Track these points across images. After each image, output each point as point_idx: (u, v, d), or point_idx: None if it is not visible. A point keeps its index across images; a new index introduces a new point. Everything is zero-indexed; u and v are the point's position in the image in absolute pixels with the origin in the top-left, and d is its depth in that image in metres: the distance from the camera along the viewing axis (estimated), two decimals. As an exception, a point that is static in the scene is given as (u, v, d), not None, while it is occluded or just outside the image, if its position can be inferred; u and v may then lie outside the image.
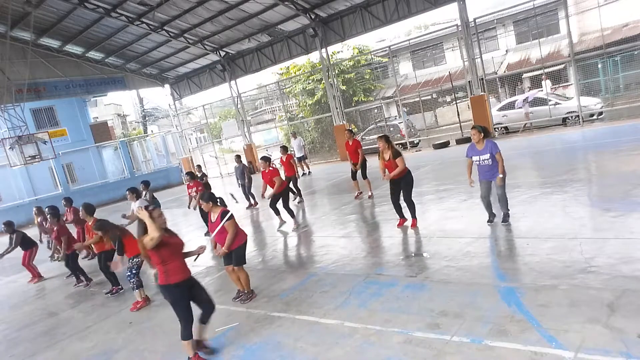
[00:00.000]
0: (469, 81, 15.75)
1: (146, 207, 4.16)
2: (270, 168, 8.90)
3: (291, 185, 10.93)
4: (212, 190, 11.78)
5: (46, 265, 10.22)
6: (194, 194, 9.60)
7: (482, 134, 6.21)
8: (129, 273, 6.31)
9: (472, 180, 6.49)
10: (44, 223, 10.14)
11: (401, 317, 4.34)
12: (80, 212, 7.33)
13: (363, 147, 10.73)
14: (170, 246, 4.14)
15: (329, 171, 16.86)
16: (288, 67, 26.12)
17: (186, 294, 4.21)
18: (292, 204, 10.38)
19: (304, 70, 25.74)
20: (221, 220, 5.26)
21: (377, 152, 7.51)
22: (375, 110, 25.64)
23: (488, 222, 6.51)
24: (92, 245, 7.40)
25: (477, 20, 15.26)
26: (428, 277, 5.17)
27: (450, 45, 25.90)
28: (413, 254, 6.15)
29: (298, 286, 5.79)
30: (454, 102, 19.71)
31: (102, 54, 22.31)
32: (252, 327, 4.86)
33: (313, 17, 17.25)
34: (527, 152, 12.04)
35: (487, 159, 6.17)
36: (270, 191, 8.91)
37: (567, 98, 16.07)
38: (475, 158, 6.30)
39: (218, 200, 5.53)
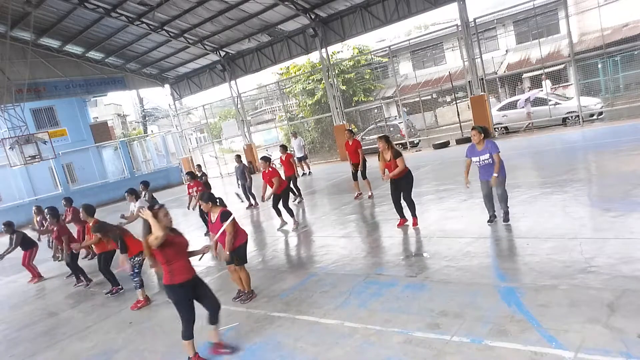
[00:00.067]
0: (469, 81, 15.75)
1: (152, 206, 4.13)
2: (270, 168, 8.90)
3: (291, 184, 10.94)
4: (212, 190, 11.81)
5: (46, 265, 10.23)
6: (195, 193, 9.60)
7: (483, 135, 6.21)
8: (132, 272, 6.33)
9: (468, 181, 6.49)
10: (43, 222, 10.14)
11: (401, 317, 4.34)
12: (81, 213, 7.32)
13: (363, 147, 10.73)
14: (175, 246, 4.12)
15: (329, 171, 16.86)
16: (288, 67, 26.13)
17: (190, 294, 4.19)
18: (292, 204, 10.38)
19: (304, 70, 25.75)
20: (221, 221, 5.27)
21: (377, 152, 7.51)
22: (375, 110, 25.64)
23: (488, 222, 6.51)
24: (93, 246, 7.40)
25: (477, 20, 15.27)
26: (428, 277, 5.17)
27: (450, 45, 25.90)
28: (413, 254, 6.15)
29: (298, 286, 5.79)
30: (454, 102, 19.71)
31: (102, 54, 22.31)
32: (252, 327, 4.87)
33: (313, 17, 17.25)
34: (527, 152, 12.04)
35: (487, 159, 6.17)
36: (270, 192, 8.90)
37: (567, 98, 16.07)
38: (475, 159, 6.30)
39: (218, 200, 5.53)
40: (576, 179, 8.01)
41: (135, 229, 7.68)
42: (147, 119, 37.44)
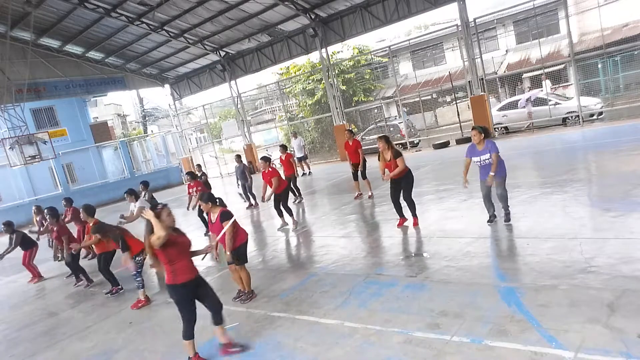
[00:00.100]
0: (469, 81, 15.75)
1: (155, 206, 4.11)
2: (270, 168, 8.90)
3: (291, 184, 10.94)
4: (211, 190, 11.82)
5: (46, 265, 10.23)
6: (195, 193, 9.60)
7: (483, 135, 6.21)
8: (135, 272, 6.33)
9: (467, 180, 6.49)
10: (43, 222, 10.14)
11: (401, 317, 4.34)
12: (81, 214, 7.33)
13: (363, 147, 10.73)
14: (178, 245, 4.10)
15: (329, 171, 16.86)
16: (288, 67, 26.12)
17: (191, 294, 4.18)
18: (291, 204, 10.38)
19: (304, 70, 25.74)
20: (221, 221, 5.27)
21: (377, 152, 7.51)
22: (375, 110, 25.64)
23: (488, 222, 6.51)
24: (94, 246, 7.40)
25: (477, 20, 15.27)
26: (428, 277, 5.17)
27: (450, 45, 25.90)
28: (413, 254, 6.15)
29: (298, 286, 5.79)
30: (454, 102, 19.71)
31: (102, 54, 22.31)
32: (252, 327, 4.87)
33: (313, 17, 17.25)
34: (527, 152, 12.04)
35: (488, 159, 6.17)
36: (270, 192, 8.89)
37: (567, 98, 16.07)
38: (475, 159, 6.30)
39: (217, 200, 5.53)
40: (576, 179, 8.01)
41: (135, 229, 7.70)
42: (147, 119, 37.44)
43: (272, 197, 8.89)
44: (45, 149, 18.68)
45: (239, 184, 12.77)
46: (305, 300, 5.27)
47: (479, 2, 35.93)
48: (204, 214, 7.73)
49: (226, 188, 18.80)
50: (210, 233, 5.71)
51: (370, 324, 4.33)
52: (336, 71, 22.72)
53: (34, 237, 9.62)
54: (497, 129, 15.90)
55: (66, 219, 9.91)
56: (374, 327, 4.26)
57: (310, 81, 25.89)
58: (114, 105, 42.90)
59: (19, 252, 9.56)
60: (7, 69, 18.91)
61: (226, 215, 5.30)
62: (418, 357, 3.65)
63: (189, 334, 4.21)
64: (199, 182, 10.61)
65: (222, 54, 21.17)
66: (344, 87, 24.87)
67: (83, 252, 9.75)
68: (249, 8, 16.84)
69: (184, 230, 4.48)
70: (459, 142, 15.51)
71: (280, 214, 9.21)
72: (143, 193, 9.59)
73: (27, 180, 22.98)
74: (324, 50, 18.16)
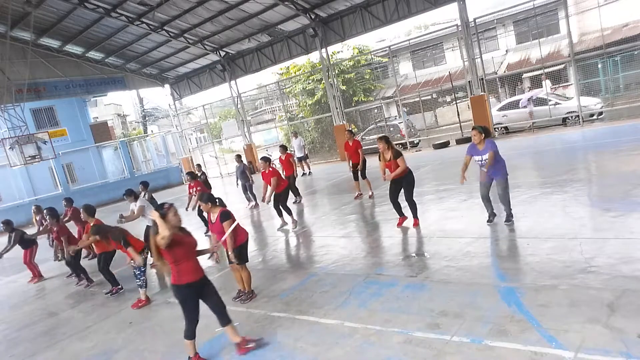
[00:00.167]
0: (469, 81, 15.75)
1: (162, 206, 4.09)
2: (270, 169, 8.91)
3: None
4: (211, 189, 11.82)
5: (46, 265, 10.22)
6: (195, 193, 9.61)
7: (483, 135, 6.21)
8: (138, 271, 6.33)
9: (465, 177, 6.46)
10: (42, 222, 10.14)
11: (401, 317, 4.34)
12: (81, 214, 7.33)
13: (363, 147, 10.73)
14: (184, 245, 4.09)
15: (329, 171, 16.86)
16: (288, 67, 26.12)
17: (196, 295, 4.16)
18: (291, 204, 10.38)
19: (304, 70, 25.74)
20: (221, 221, 5.27)
21: (377, 152, 7.51)
22: (375, 110, 25.63)
23: (488, 221, 6.51)
24: (94, 246, 7.40)
25: (477, 20, 15.26)
26: (428, 277, 5.17)
27: (450, 45, 25.90)
28: (413, 254, 6.15)
29: (298, 286, 5.79)
30: (454, 102, 19.71)
31: (102, 54, 22.31)
32: (252, 327, 4.86)
33: (313, 17, 17.25)
34: (527, 152, 12.04)
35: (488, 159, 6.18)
36: (270, 191, 8.89)
37: (567, 98, 16.07)
38: (476, 158, 6.29)
39: (217, 200, 5.53)
40: (576, 179, 8.01)
41: (135, 229, 7.70)
42: (147, 119, 37.44)
43: (272, 196, 8.89)
44: (45, 149, 18.68)
45: (238, 184, 12.78)
46: (305, 300, 5.27)
47: (479, 2, 35.97)
48: (204, 214, 7.74)
49: (226, 188, 18.80)
50: (210, 233, 5.70)
51: (370, 324, 4.33)
52: (336, 71, 22.72)
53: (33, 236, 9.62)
54: (497, 129, 15.90)
55: (65, 219, 9.93)
56: (374, 327, 4.26)
57: (310, 81, 25.88)
58: (114, 105, 42.90)
59: (19, 252, 9.56)
60: (7, 69, 18.90)
61: (226, 215, 5.30)
62: (418, 357, 3.65)
63: (190, 334, 4.20)
64: (199, 182, 10.62)
65: (222, 54, 21.17)
66: (344, 87, 24.87)
67: (84, 252, 9.75)
68: (249, 8, 16.83)
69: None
70: (459, 142, 15.51)
71: (280, 214, 9.21)
72: (143, 193, 9.58)
73: (27, 180, 22.98)
74: (324, 50, 18.16)
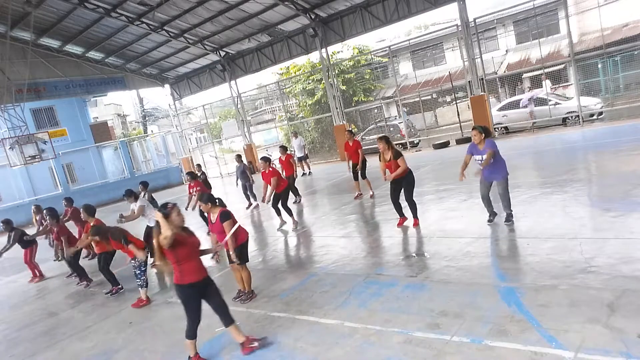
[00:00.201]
0: (469, 81, 15.75)
1: (165, 205, 4.08)
2: (270, 169, 8.91)
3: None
4: (211, 189, 11.82)
5: (46, 265, 10.22)
6: (195, 193, 9.61)
7: (483, 135, 6.21)
8: (138, 271, 6.33)
9: (464, 175, 6.42)
10: (42, 221, 10.14)
11: (401, 317, 4.34)
12: (82, 214, 7.33)
13: (363, 147, 10.74)
14: (187, 245, 4.09)
15: (329, 171, 16.86)
16: (288, 67, 26.12)
17: (198, 295, 4.15)
18: (291, 204, 10.38)
19: (304, 70, 25.74)
20: (221, 221, 5.27)
21: (377, 152, 7.51)
22: (375, 110, 25.63)
23: (488, 221, 6.51)
24: (94, 246, 7.40)
25: (477, 20, 15.26)
26: (428, 277, 5.17)
27: (450, 45, 25.90)
28: (413, 254, 6.15)
29: (298, 286, 5.79)
30: (454, 102, 19.71)
31: (102, 54, 22.31)
32: (252, 327, 4.86)
33: (313, 17, 17.25)
34: (527, 152, 12.04)
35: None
36: (270, 191, 8.90)
37: (567, 98, 16.07)
38: (476, 157, 6.30)
39: (217, 200, 5.53)
40: (576, 179, 8.01)
41: (135, 229, 7.70)
42: (147, 119, 37.44)
43: (272, 196, 8.89)
44: (45, 149, 18.68)
45: (238, 184, 12.78)
46: (305, 300, 5.27)
47: (479, 2, 35.96)
48: (205, 213, 7.74)
49: (226, 188, 18.80)
50: (211, 233, 5.70)
51: (370, 324, 4.33)
52: (336, 71, 22.72)
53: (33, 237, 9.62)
54: (497, 129, 15.89)
55: (65, 219, 9.93)
56: (374, 327, 4.26)
57: (310, 81, 25.88)
58: (114, 105, 42.90)
59: (19, 253, 9.56)
60: (7, 69, 18.90)
61: (226, 215, 5.30)
62: (418, 357, 3.65)
63: (191, 334, 4.20)
64: (199, 182, 10.63)
65: (222, 54, 21.17)
66: (344, 87, 24.86)
67: (83, 252, 9.75)
68: (249, 8, 16.83)
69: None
70: (459, 142, 15.51)
71: (279, 213, 9.22)
72: (142, 193, 9.58)
73: (27, 180, 22.98)
74: (324, 50, 18.15)
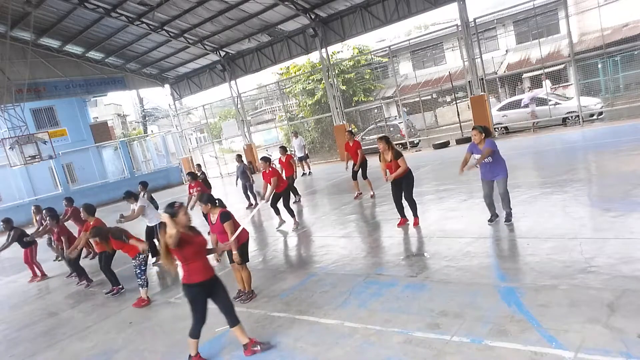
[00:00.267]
0: (469, 81, 15.75)
1: (172, 204, 4.07)
2: (270, 169, 8.92)
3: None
4: (211, 189, 11.82)
5: (46, 265, 10.21)
6: (195, 194, 9.62)
7: (484, 135, 6.22)
8: (139, 270, 6.33)
9: (463, 170, 6.40)
10: (42, 221, 10.14)
11: (401, 317, 4.34)
12: (82, 213, 7.33)
13: (363, 147, 10.75)
14: (193, 245, 4.09)
15: (329, 171, 16.86)
16: (288, 67, 26.12)
17: (205, 294, 4.15)
18: (291, 204, 10.38)
19: (304, 70, 25.74)
20: (221, 221, 5.26)
21: (377, 153, 7.51)
22: (375, 110, 25.63)
23: (489, 221, 6.51)
24: (94, 245, 7.40)
25: (477, 20, 15.26)
26: (428, 277, 5.17)
27: (450, 45, 25.90)
28: (413, 254, 6.15)
29: (298, 286, 5.79)
30: (454, 102, 19.71)
31: (102, 54, 22.31)
32: (252, 327, 4.86)
33: (313, 17, 17.25)
34: (527, 152, 12.04)
35: (488, 157, 6.19)
36: (270, 190, 8.90)
37: (567, 98, 16.06)
38: (476, 156, 6.31)
39: (217, 201, 5.52)
40: (576, 179, 8.01)
41: (135, 229, 7.70)
42: (147, 119, 37.43)
43: (272, 196, 8.89)
44: (45, 149, 18.68)
45: (237, 184, 12.78)
46: (305, 300, 5.27)
47: (479, 2, 35.95)
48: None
49: (226, 188, 18.80)
50: (211, 233, 5.70)
51: (370, 324, 4.33)
52: (336, 71, 22.71)
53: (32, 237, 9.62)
54: (497, 129, 15.89)
55: (65, 218, 9.94)
56: (374, 327, 4.26)
57: (310, 81, 25.88)
58: (114, 105, 42.90)
59: (19, 253, 9.56)
60: (7, 69, 18.91)
61: (226, 216, 5.29)
62: (418, 357, 3.65)
63: (195, 333, 4.20)
64: (200, 182, 10.63)
65: (222, 54, 21.17)
66: (344, 87, 24.86)
67: (84, 251, 9.75)
68: (249, 8, 16.83)
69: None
70: (459, 142, 15.51)
71: (277, 212, 9.22)
72: (142, 193, 9.58)
73: (27, 180, 22.98)
74: (324, 50, 18.15)
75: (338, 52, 24.90)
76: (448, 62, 26.29)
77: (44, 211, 9.25)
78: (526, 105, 15.59)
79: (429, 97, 25.07)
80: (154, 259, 8.41)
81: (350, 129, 15.63)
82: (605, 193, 6.99)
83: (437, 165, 12.77)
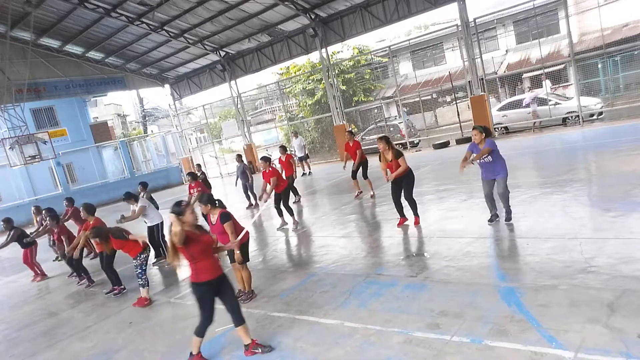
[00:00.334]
0: (469, 81, 15.75)
1: (179, 203, 4.07)
2: (270, 168, 8.92)
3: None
4: (211, 189, 11.82)
5: (46, 265, 10.22)
6: (196, 194, 9.63)
7: (484, 134, 6.22)
8: (139, 270, 6.33)
9: (464, 166, 6.34)
10: (42, 222, 10.15)
11: (401, 317, 4.34)
12: (81, 213, 7.33)
13: (363, 147, 10.76)
14: (200, 243, 4.09)
15: (329, 171, 16.86)
16: (288, 67, 26.12)
17: (213, 293, 4.15)
18: (291, 204, 10.39)
19: (304, 70, 25.74)
20: (221, 222, 5.25)
21: (377, 153, 7.52)
22: (375, 110, 25.64)
23: (489, 221, 6.51)
24: (94, 245, 7.39)
25: (477, 20, 15.26)
26: (428, 277, 5.17)
27: (450, 45, 25.90)
28: (413, 254, 6.15)
29: (298, 286, 5.79)
30: (454, 102, 19.71)
31: (102, 54, 22.31)
32: (252, 327, 4.85)
33: (313, 17, 17.25)
34: (527, 152, 12.04)
35: (487, 157, 6.19)
36: (270, 189, 8.90)
37: (567, 98, 16.06)
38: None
39: (217, 202, 5.52)
40: (576, 179, 8.01)
41: (135, 229, 7.70)
42: (147, 119, 37.43)
43: (273, 196, 8.90)
44: (45, 149, 18.68)
45: (237, 183, 12.79)
46: (305, 300, 5.27)
47: (479, 2, 35.95)
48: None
49: (226, 188, 18.80)
50: (211, 234, 5.69)
51: (370, 324, 4.33)
52: (336, 71, 22.71)
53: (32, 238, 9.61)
54: (497, 129, 15.89)
55: (65, 218, 9.93)
56: (374, 327, 4.26)
57: (310, 81, 25.88)
58: (114, 105, 42.90)
59: (19, 253, 9.55)
60: (7, 69, 18.90)
61: (226, 216, 5.29)
62: (418, 357, 3.65)
63: (200, 332, 4.21)
64: (200, 183, 10.64)
65: (222, 54, 21.17)
66: (344, 87, 24.86)
67: (85, 251, 9.75)
68: (249, 8, 16.83)
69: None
70: (459, 142, 15.51)
71: (280, 214, 9.22)
72: (142, 194, 9.59)
73: (27, 180, 22.97)
74: (324, 50, 18.15)
75: (338, 52, 24.90)
76: (448, 62, 26.29)
77: (43, 212, 9.25)
78: (527, 105, 15.58)
79: (429, 97, 25.07)
80: (156, 259, 8.42)
81: (350, 129, 15.63)
82: (605, 193, 6.99)
83: (437, 165, 12.77)
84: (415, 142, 18.99)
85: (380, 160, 7.29)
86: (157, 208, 9.14)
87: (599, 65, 17.85)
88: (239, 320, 4.25)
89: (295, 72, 26.06)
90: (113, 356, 5.01)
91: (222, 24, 18.28)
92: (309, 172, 17.25)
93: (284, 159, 11.42)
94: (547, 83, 16.45)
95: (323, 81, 21.06)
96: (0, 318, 7.50)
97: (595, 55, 16.40)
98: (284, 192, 8.98)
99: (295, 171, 11.96)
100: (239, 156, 12.98)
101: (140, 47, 21.28)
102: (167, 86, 25.36)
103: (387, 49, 19.92)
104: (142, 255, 6.37)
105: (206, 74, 23.17)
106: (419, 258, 5.90)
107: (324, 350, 4.08)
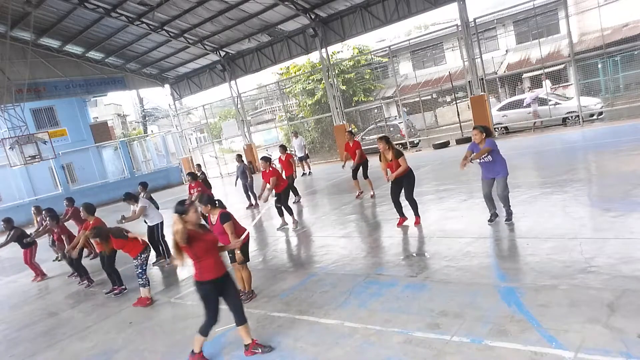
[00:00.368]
0: (469, 81, 15.75)
1: (182, 202, 4.08)
2: (270, 168, 8.92)
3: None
4: (211, 189, 11.83)
5: (46, 265, 10.23)
6: (196, 194, 9.62)
7: (484, 134, 6.22)
8: (140, 270, 6.33)
9: (464, 164, 6.30)
10: (42, 222, 10.15)
11: (401, 317, 4.34)
12: (81, 212, 7.33)
13: (363, 147, 10.76)
14: (204, 242, 4.09)
15: (329, 171, 16.86)
16: (288, 67, 26.12)
17: (217, 292, 4.15)
18: (291, 204, 10.39)
19: (304, 70, 25.75)
20: (221, 222, 5.25)
21: (378, 152, 7.52)
22: (375, 110, 25.64)
23: (489, 221, 6.52)
24: (94, 245, 7.39)
25: (477, 20, 15.26)
26: (428, 277, 5.17)
27: (450, 45, 25.90)
28: (413, 254, 6.15)
29: (298, 286, 5.79)
30: (454, 102, 19.71)
31: (102, 54, 22.31)
32: (252, 327, 4.84)
33: (313, 17, 17.25)
34: (527, 152, 12.04)
35: (487, 156, 6.19)
36: (270, 187, 8.90)
37: (567, 98, 16.06)
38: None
39: (217, 202, 5.52)
40: (576, 179, 8.01)
41: (135, 229, 7.70)
42: (147, 119, 37.43)
43: (274, 196, 8.90)
44: (45, 149, 18.68)
45: (237, 183, 12.79)
46: (305, 300, 5.27)
47: (479, 2, 35.95)
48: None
49: (226, 188, 18.80)
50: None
51: (370, 324, 4.33)
52: (336, 71, 22.71)
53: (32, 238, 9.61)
54: (497, 129, 15.89)
55: (65, 218, 9.93)
56: (374, 327, 4.26)
57: (310, 81, 25.88)
58: (114, 105, 42.89)
59: (19, 253, 9.55)
60: (7, 69, 18.90)
61: (226, 216, 5.28)
62: (418, 357, 3.65)
63: (204, 331, 4.21)
64: (200, 183, 10.64)
65: (222, 54, 21.17)
66: (344, 87, 24.86)
67: (85, 251, 9.75)
68: (249, 8, 16.83)
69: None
70: (459, 142, 15.51)
71: (281, 214, 9.22)
72: (142, 194, 9.58)
73: (27, 180, 22.97)
74: (324, 50, 18.15)
75: (338, 52, 24.90)
76: (448, 62, 26.29)
77: (44, 212, 9.25)
78: (528, 105, 15.58)
79: (429, 97, 25.07)
80: (156, 259, 8.42)
81: (350, 129, 15.63)
82: (605, 193, 6.99)
83: (437, 165, 12.77)
84: (415, 142, 18.99)
85: (380, 160, 7.29)
86: (158, 208, 9.14)
87: (599, 65, 17.85)
88: (241, 319, 4.25)
89: (295, 72, 26.06)
90: (113, 356, 5.01)
91: (222, 24, 18.28)
92: (309, 172, 17.25)
93: (284, 159, 11.43)
94: (547, 83, 16.46)
95: (323, 81, 21.07)
96: (0, 318, 7.50)
97: (595, 55, 16.40)
98: (283, 192, 8.98)
99: (295, 171, 11.97)
100: (239, 156, 12.98)
101: (140, 47, 21.28)
102: (167, 86, 25.36)
103: (387, 49, 19.93)
104: (142, 255, 6.37)
105: (206, 74, 23.17)
106: (419, 258, 5.90)
107: (324, 350, 4.08)
